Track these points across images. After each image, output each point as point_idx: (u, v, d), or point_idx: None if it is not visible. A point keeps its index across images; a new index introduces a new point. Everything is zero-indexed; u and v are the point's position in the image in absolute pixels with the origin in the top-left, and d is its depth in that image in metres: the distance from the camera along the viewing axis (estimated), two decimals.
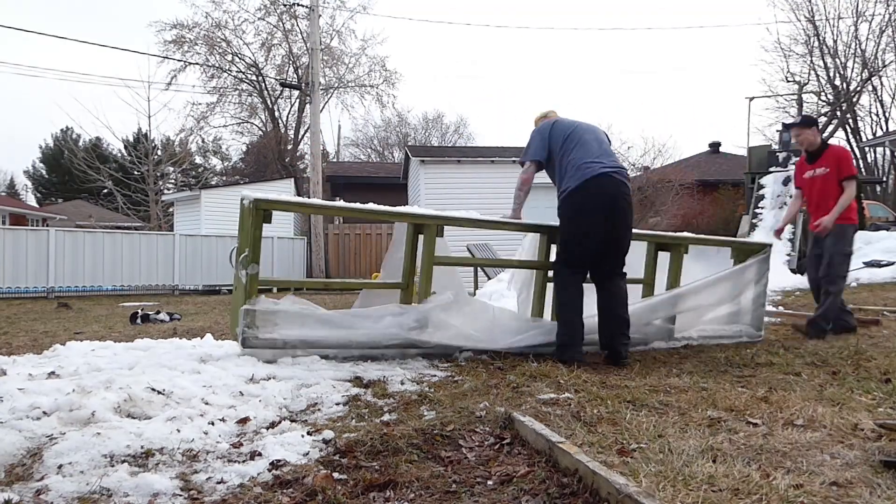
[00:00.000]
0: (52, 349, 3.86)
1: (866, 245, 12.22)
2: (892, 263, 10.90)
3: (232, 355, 3.48)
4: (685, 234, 4.85)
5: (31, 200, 42.25)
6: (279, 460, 1.97)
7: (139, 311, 7.57)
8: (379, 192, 22.01)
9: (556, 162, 3.95)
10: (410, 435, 2.19)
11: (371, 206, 3.82)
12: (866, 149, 28.33)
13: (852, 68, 27.91)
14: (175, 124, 63.32)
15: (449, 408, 2.58)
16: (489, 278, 10.60)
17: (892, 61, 27.47)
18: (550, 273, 4.07)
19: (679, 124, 60.28)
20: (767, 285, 4.88)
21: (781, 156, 13.46)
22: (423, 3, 54.24)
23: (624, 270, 3.89)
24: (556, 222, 3.95)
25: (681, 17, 59.64)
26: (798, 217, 12.43)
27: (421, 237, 3.78)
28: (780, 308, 6.69)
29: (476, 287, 11.46)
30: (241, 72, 26.04)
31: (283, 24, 25.22)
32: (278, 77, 25.46)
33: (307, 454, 2.04)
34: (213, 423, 2.32)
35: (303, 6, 19.50)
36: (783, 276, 10.01)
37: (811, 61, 28.05)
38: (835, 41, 27.71)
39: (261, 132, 29.08)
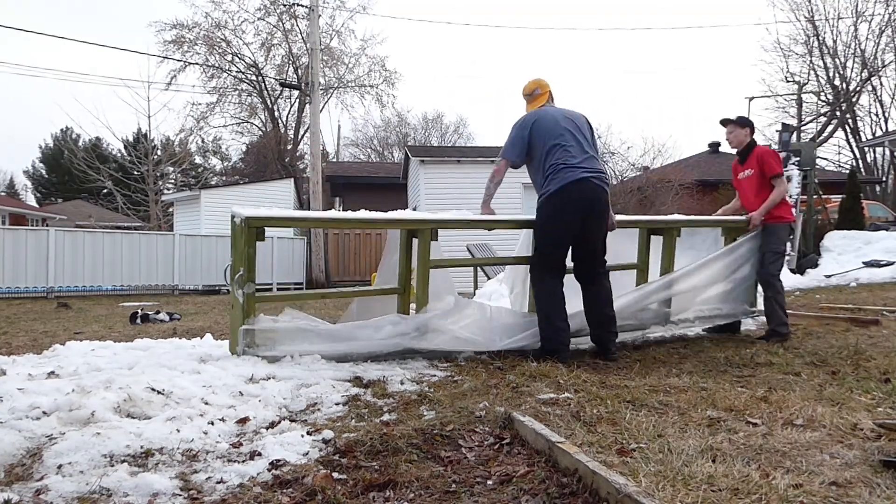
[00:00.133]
0: (51, 349, 3.86)
1: (866, 245, 12.23)
2: (892, 263, 10.90)
3: (232, 355, 3.48)
4: (677, 216, 4.90)
5: (31, 200, 42.27)
6: (279, 460, 1.97)
7: (139, 311, 7.57)
8: (379, 192, 22.05)
9: (537, 162, 3.92)
10: (410, 435, 2.19)
11: (363, 214, 3.75)
12: (866, 149, 28.35)
13: (852, 68, 27.94)
14: (175, 124, 63.39)
15: (449, 408, 2.58)
16: (489, 278, 10.60)
17: (891, 61, 27.50)
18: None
19: (679, 124, 60.31)
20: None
21: (781, 156, 13.45)
22: (423, 3, 54.27)
23: (605, 269, 3.96)
24: None
25: (681, 17, 59.71)
26: (798, 217, 12.45)
27: (415, 241, 3.78)
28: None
29: (476, 287, 11.45)
30: (240, 72, 26.05)
31: (282, 24, 25.24)
32: (278, 77, 25.46)
33: (307, 454, 2.04)
34: (212, 423, 2.32)
35: (303, 6, 19.51)
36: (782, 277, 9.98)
37: (811, 61, 28.07)
38: (834, 41, 27.75)
39: (261, 132, 29.09)
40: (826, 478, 1.76)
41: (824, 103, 27.71)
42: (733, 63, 60.99)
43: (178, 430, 2.20)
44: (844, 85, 28.07)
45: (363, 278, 18.39)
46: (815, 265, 11.67)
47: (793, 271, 10.72)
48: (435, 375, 3.26)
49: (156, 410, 2.45)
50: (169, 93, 34.62)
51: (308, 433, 2.24)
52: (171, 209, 22.72)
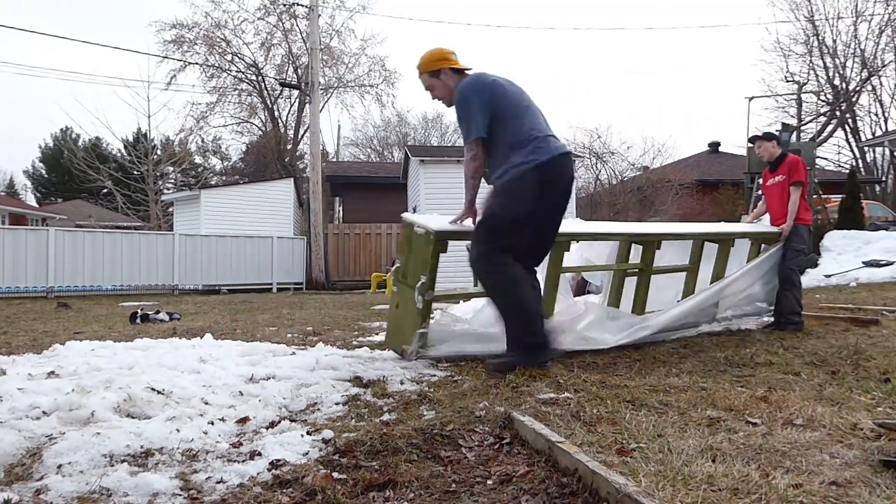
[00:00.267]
0: (51, 349, 3.86)
1: (866, 245, 12.23)
2: (892, 263, 10.91)
3: (232, 355, 3.49)
4: (730, 226, 5.53)
5: (31, 200, 42.29)
6: (279, 460, 1.97)
7: (139, 310, 7.57)
8: (379, 192, 22.07)
9: (502, 130, 3.33)
10: (410, 435, 2.19)
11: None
12: (865, 148, 28.35)
13: (852, 68, 27.96)
14: (175, 124, 63.48)
15: (449, 407, 2.58)
16: None
17: (891, 61, 27.52)
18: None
19: (679, 124, 60.32)
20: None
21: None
22: (423, 3, 54.24)
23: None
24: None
25: (681, 17, 59.68)
26: None
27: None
28: None
29: (476, 286, 11.43)
30: (240, 72, 26.08)
31: (282, 23, 25.26)
32: (278, 77, 25.48)
33: (307, 454, 2.04)
34: (212, 423, 2.32)
35: (302, 6, 19.52)
36: None
37: (811, 61, 28.09)
38: (834, 41, 27.76)
39: (260, 132, 29.10)
40: (826, 477, 1.76)
41: (824, 103, 27.74)
42: (733, 63, 61.02)
43: (178, 430, 2.20)
44: (844, 85, 28.08)
45: (363, 278, 18.40)
46: (815, 265, 11.68)
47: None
48: (435, 375, 3.26)
49: (156, 410, 2.45)
50: (169, 93, 34.76)
51: (308, 433, 2.24)
52: (171, 209, 22.71)
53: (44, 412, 2.34)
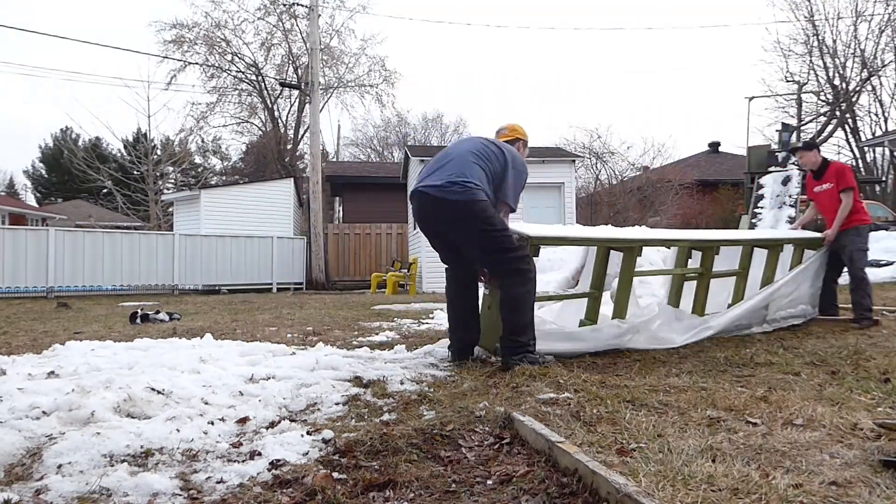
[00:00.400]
0: (51, 349, 3.86)
1: None
2: (892, 263, 10.92)
3: (232, 355, 3.49)
4: (777, 233, 5.93)
5: (31, 200, 42.28)
6: (279, 460, 1.97)
7: (139, 310, 7.56)
8: (379, 192, 22.05)
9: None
10: (410, 435, 2.19)
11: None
12: (865, 148, 28.34)
13: (852, 68, 27.94)
14: (175, 124, 63.52)
15: (448, 407, 2.58)
16: None
17: (891, 61, 27.49)
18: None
19: (679, 124, 60.30)
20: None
21: (781, 156, 13.47)
22: (423, 3, 54.20)
23: (512, 269, 3.54)
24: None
25: (681, 17, 59.58)
26: (798, 216, 12.46)
27: (612, 254, 4.17)
28: None
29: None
30: (240, 72, 26.06)
31: (282, 23, 25.24)
32: (278, 77, 25.47)
33: (307, 454, 2.04)
34: (212, 423, 2.32)
35: (302, 6, 19.51)
36: None
37: (811, 61, 28.08)
38: (834, 41, 27.75)
39: (260, 132, 29.09)
40: (826, 477, 1.76)
41: (824, 103, 27.73)
42: (733, 63, 60.94)
43: (178, 430, 2.20)
44: (844, 85, 28.07)
45: (363, 278, 18.39)
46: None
47: None
48: (435, 375, 3.27)
49: (156, 410, 2.45)
50: (169, 92, 34.77)
51: (308, 433, 2.24)
52: (170, 209, 22.70)
53: (44, 412, 2.34)
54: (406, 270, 15.55)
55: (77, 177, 27.11)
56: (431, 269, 15.02)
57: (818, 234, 5.50)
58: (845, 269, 5.53)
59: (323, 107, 22.86)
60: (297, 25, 25.02)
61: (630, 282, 4.12)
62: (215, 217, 17.64)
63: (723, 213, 19.83)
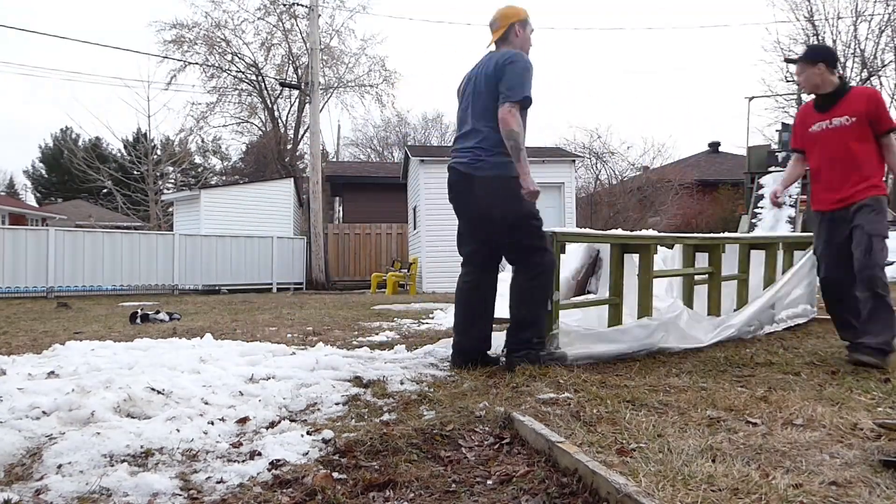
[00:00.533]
0: (51, 349, 3.86)
1: None
2: (892, 263, 10.88)
3: (232, 355, 3.49)
4: (779, 233, 5.74)
5: (31, 200, 42.28)
6: (279, 460, 1.97)
7: (139, 310, 7.56)
8: (379, 192, 22.05)
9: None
10: (410, 435, 2.19)
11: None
12: None
13: (852, 68, 27.92)
14: (175, 124, 63.50)
15: (448, 407, 2.58)
16: None
17: (891, 61, 27.48)
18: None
19: (679, 124, 60.30)
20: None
21: (781, 156, 13.47)
22: (423, 3, 54.17)
23: (524, 260, 3.40)
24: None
25: (681, 17, 59.61)
26: (797, 216, 12.44)
27: (627, 255, 4.06)
28: None
29: None
30: (240, 72, 26.04)
31: (282, 23, 25.22)
32: (278, 77, 25.46)
33: (307, 454, 2.04)
34: (212, 423, 2.32)
35: (302, 6, 19.50)
36: None
37: None
38: (834, 41, 27.72)
39: (260, 132, 29.07)
40: (826, 477, 1.76)
41: None
42: (733, 63, 60.93)
43: (178, 430, 2.20)
44: None
45: (363, 278, 18.39)
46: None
47: None
48: (435, 375, 3.26)
49: (156, 410, 2.45)
50: (169, 92, 34.71)
51: (308, 433, 2.24)
52: (170, 209, 22.69)
53: (44, 412, 2.34)
54: (406, 270, 15.56)
55: (77, 177, 27.11)
56: (431, 269, 15.02)
57: (806, 234, 5.14)
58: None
59: (323, 107, 22.85)
60: (297, 25, 25.02)
61: (650, 282, 4.03)
62: (215, 217, 17.64)
63: (723, 213, 19.84)
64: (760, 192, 13.23)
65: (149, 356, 3.46)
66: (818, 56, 3.71)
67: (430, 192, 15.17)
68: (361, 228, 19.23)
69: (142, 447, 2.05)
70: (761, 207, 13.00)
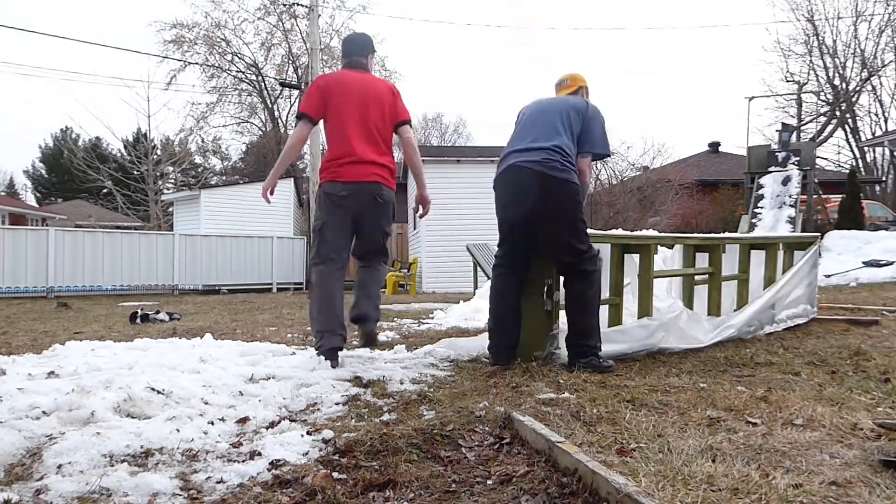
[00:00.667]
0: (51, 349, 3.86)
1: (866, 245, 12.23)
2: (892, 263, 10.91)
3: (232, 355, 3.49)
4: (777, 234, 5.80)
5: (31, 200, 42.29)
6: (279, 460, 1.97)
7: (139, 310, 7.56)
8: None
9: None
10: (410, 435, 2.19)
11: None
12: (865, 148, 28.35)
13: (852, 68, 27.96)
14: (175, 124, 63.50)
15: (448, 407, 2.58)
16: (489, 278, 10.60)
17: (891, 61, 27.52)
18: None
19: (679, 124, 60.28)
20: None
21: (781, 156, 13.47)
22: (423, 3, 54.19)
23: (583, 270, 3.51)
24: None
25: (681, 17, 59.61)
26: (797, 216, 12.45)
27: (628, 256, 4.06)
28: None
29: (476, 287, 11.44)
30: (240, 72, 26.08)
31: (282, 23, 25.25)
32: (278, 77, 25.48)
33: (307, 454, 2.04)
34: (212, 423, 2.32)
35: (302, 6, 19.49)
36: None
37: (811, 61, 28.11)
38: (834, 41, 27.77)
39: (260, 132, 29.10)
40: (826, 477, 1.76)
41: (824, 103, 27.75)
42: (733, 63, 60.91)
43: (178, 430, 2.20)
44: (844, 85, 28.09)
45: None
46: None
47: None
48: (435, 375, 3.27)
49: (156, 410, 2.45)
50: (169, 92, 34.71)
51: (308, 433, 2.24)
52: (171, 209, 22.70)
53: (44, 412, 2.34)
54: (406, 270, 15.56)
55: (77, 177, 27.11)
56: (431, 269, 15.02)
57: (806, 235, 5.39)
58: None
59: None
60: (297, 25, 25.05)
61: (650, 282, 4.05)
62: (215, 217, 17.65)
63: (723, 214, 19.82)
64: (760, 192, 13.23)
65: (149, 356, 3.46)
66: None
67: (430, 191, 15.18)
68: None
69: (142, 447, 2.05)
70: (761, 207, 12.99)
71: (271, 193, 3.89)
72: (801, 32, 27.95)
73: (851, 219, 13.72)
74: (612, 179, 23.32)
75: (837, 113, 28.13)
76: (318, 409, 2.61)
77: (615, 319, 3.97)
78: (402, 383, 3.03)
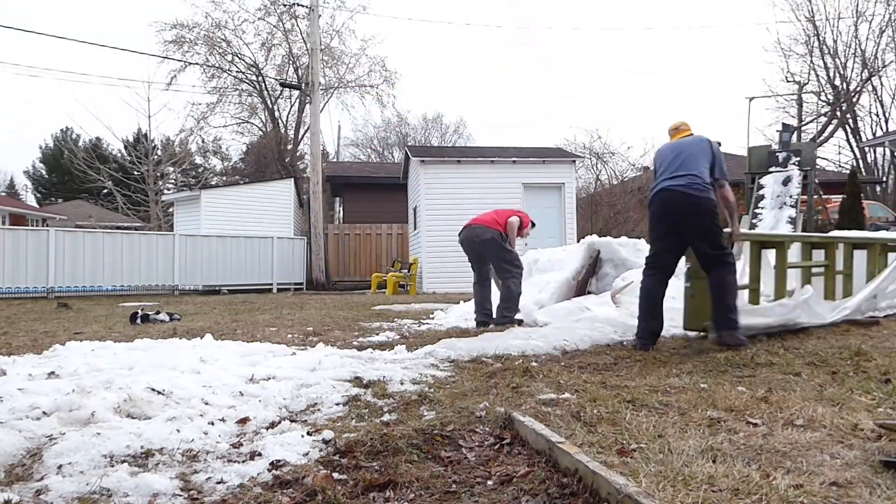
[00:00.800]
0: (51, 349, 3.86)
1: None
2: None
3: (232, 355, 3.48)
4: (878, 234, 6.66)
5: (31, 200, 42.27)
6: (279, 460, 1.97)
7: (139, 311, 7.56)
8: (379, 192, 22.05)
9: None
10: (410, 435, 2.19)
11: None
12: (866, 149, 28.34)
13: (852, 68, 27.95)
14: (175, 124, 63.50)
15: (449, 408, 2.58)
16: None
17: (891, 61, 27.50)
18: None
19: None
20: None
21: (781, 156, 13.46)
22: (423, 3, 54.17)
23: (726, 261, 4.31)
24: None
25: (681, 17, 59.51)
26: (798, 217, 12.45)
27: (764, 251, 5.01)
28: None
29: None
30: (241, 72, 26.03)
31: (283, 24, 25.21)
32: (278, 77, 25.44)
33: (307, 454, 2.04)
34: (212, 424, 2.32)
35: (303, 6, 19.50)
36: None
37: (811, 61, 28.09)
38: (835, 41, 27.76)
39: (261, 132, 29.07)
40: (826, 478, 1.76)
41: (824, 103, 27.73)
42: (733, 63, 60.85)
43: (179, 431, 2.20)
44: (845, 85, 28.08)
45: (363, 278, 18.39)
46: None
47: None
48: (435, 376, 3.27)
49: (156, 411, 2.45)
50: (169, 93, 34.79)
51: (308, 433, 2.24)
52: (171, 209, 22.68)
53: (44, 412, 2.34)
54: (406, 271, 15.55)
55: (77, 177, 27.12)
56: (432, 269, 15.02)
57: None
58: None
59: (323, 107, 22.86)
60: (298, 26, 25.01)
61: (785, 272, 4.98)
62: (215, 217, 17.64)
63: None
64: (761, 192, 13.22)
65: (149, 356, 3.46)
66: None
67: (430, 192, 15.18)
68: (362, 229, 19.22)
69: (142, 447, 2.05)
70: (761, 207, 12.98)
71: None
72: (801, 32, 27.96)
73: (852, 219, 13.71)
74: (612, 179, 23.34)
75: (838, 113, 28.13)
76: (319, 410, 2.61)
77: (754, 301, 4.81)
78: (402, 384, 3.03)
